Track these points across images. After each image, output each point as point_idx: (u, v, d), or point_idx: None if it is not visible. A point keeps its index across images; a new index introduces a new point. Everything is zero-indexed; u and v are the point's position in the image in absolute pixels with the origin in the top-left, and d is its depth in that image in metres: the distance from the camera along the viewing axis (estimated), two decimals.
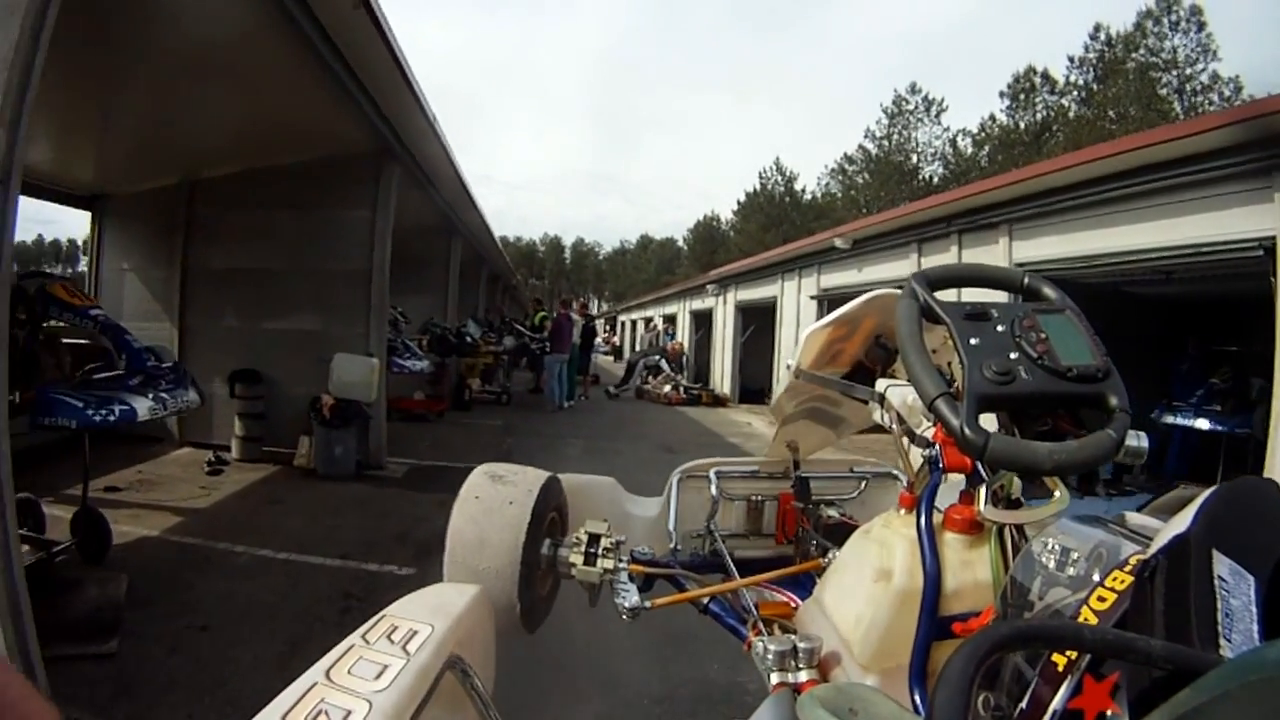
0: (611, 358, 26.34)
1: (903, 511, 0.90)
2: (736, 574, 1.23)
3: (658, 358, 13.79)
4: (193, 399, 3.59)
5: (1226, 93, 24.58)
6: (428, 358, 7.88)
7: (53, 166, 5.54)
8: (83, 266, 7.38)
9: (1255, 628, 0.45)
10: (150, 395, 3.29)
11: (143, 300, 6.17)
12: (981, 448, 0.65)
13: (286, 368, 5.69)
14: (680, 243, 57.34)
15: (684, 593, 1.18)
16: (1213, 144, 4.13)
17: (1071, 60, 28.66)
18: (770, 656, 0.84)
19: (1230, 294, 5.81)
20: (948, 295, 0.80)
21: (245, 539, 3.90)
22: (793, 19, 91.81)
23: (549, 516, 1.22)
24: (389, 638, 0.73)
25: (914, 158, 34.49)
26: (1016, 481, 0.76)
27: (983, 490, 0.77)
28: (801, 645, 0.84)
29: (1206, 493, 0.57)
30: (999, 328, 0.73)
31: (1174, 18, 25.74)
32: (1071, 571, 0.61)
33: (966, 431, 0.65)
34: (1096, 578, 0.57)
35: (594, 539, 1.17)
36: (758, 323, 12.86)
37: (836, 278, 9.38)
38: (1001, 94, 30.86)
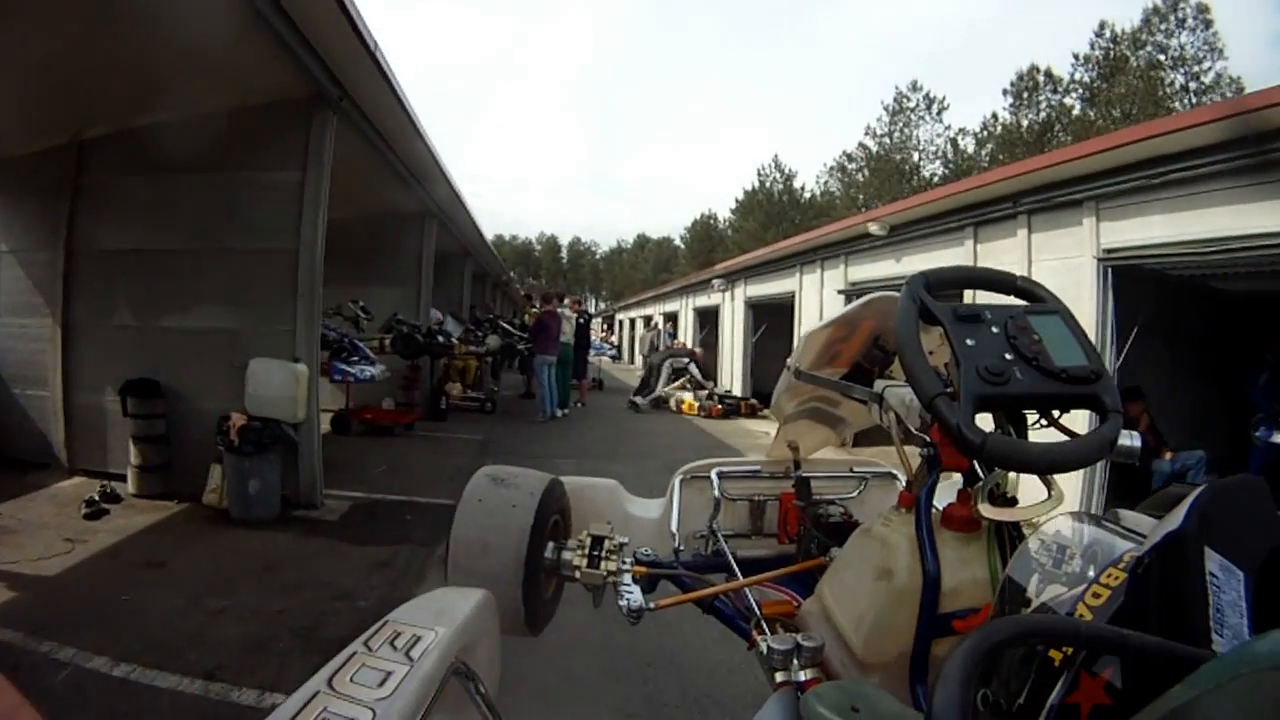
0: (612, 359, 25.04)
1: (902, 510, 0.92)
2: (739, 574, 1.24)
3: (686, 360, 11.79)
4: None
5: (1228, 94, 24.15)
6: (385, 361, 6.57)
7: None
8: None
9: (1245, 622, 0.47)
10: None
11: (21, 291, 4.91)
12: (978, 447, 0.66)
13: (194, 377, 4.43)
14: (678, 241, 56.22)
15: (687, 593, 1.18)
16: None
17: (1076, 57, 28.18)
18: (774, 655, 0.85)
19: None
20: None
21: (84, 634, 2.67)
22: (793, 15, 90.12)
23: (552, 519, 1.25)
24: (392, 644, 0.73)
25: (915, 156, 34.14)
26: (1012, 479, 0.80)
27: (980, 488, 0.80)
28: (804, 644, 0.85)
29: (1197, 490, 0.57)
30: (993, 329, 0.74)
31: (1180, 15, 25.30)
32: (1067, 568, 0.63)
33: (964, 431, 0.66)
34: (1092, 574, 0.60)
35: (597, 541, 1.19)
36: (771, 320, 11.60)
37: (868, 269, 8.15)
38: (1004, 91, 30.44)
